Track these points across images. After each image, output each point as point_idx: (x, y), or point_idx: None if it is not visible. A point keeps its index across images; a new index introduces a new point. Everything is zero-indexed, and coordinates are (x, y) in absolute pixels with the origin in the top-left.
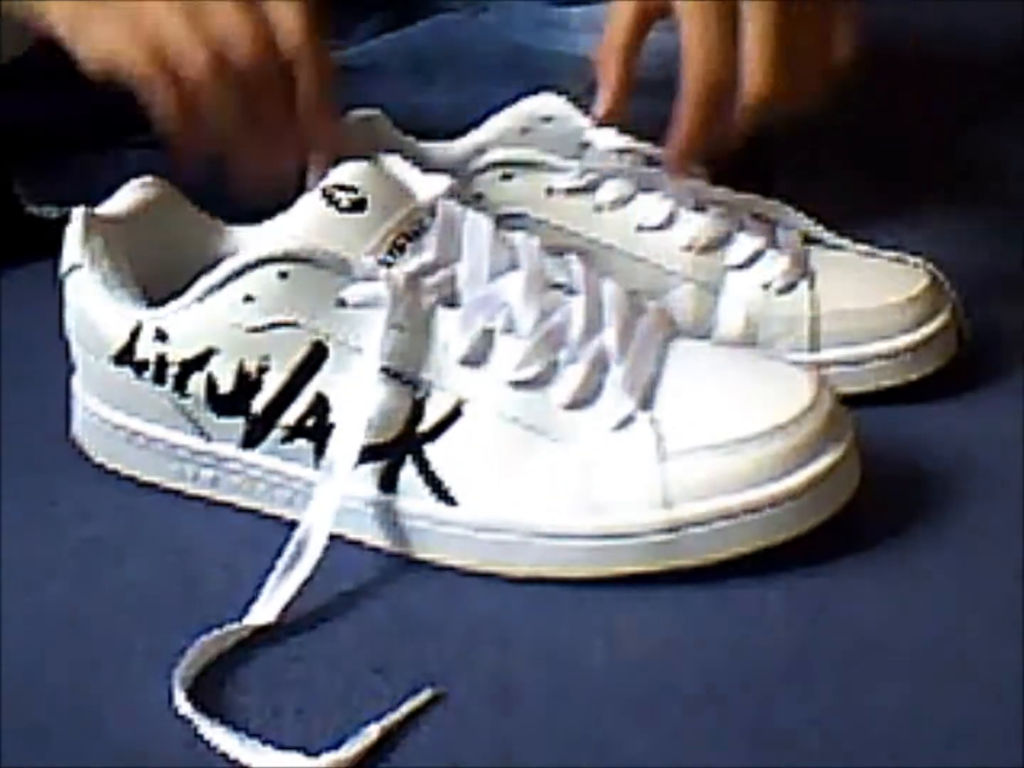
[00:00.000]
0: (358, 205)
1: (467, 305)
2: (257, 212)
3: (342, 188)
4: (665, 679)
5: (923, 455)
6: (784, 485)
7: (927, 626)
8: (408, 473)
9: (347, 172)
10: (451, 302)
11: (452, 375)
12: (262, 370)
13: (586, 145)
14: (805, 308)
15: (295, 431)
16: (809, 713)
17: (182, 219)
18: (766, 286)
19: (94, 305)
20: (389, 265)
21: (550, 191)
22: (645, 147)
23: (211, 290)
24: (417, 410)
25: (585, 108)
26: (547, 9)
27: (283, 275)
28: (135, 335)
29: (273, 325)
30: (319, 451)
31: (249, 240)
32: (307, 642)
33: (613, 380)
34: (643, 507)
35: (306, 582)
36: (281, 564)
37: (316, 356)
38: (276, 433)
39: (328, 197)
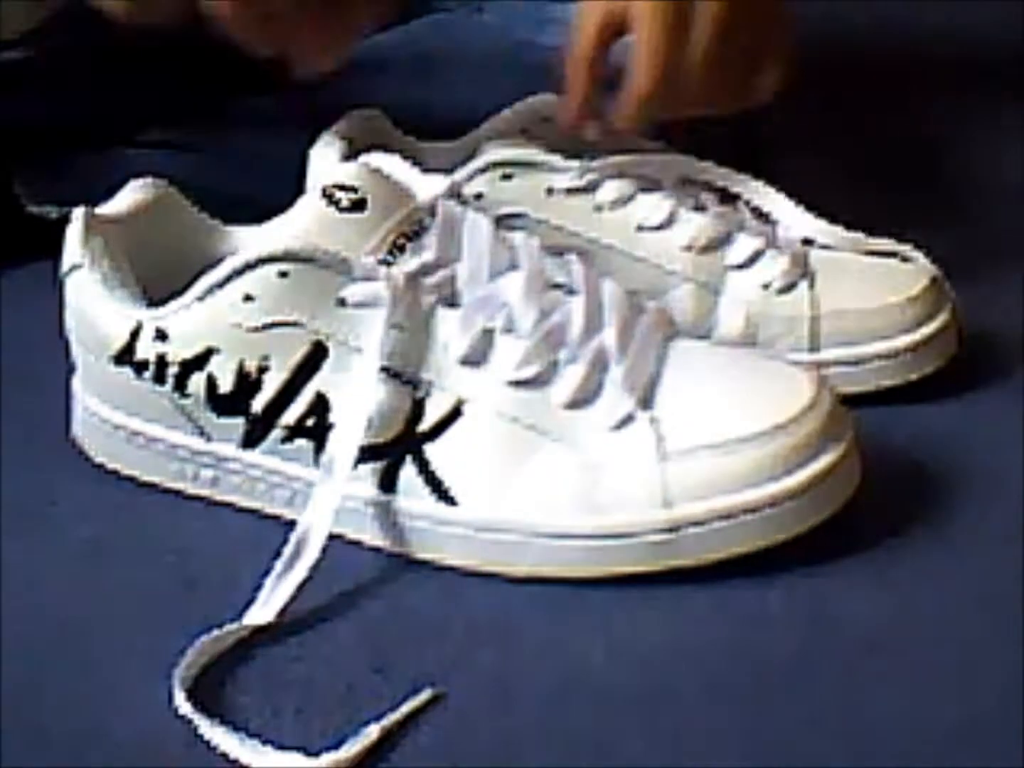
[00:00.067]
0: (358, 205)
1: (467, 305)
2: (257, 212)
3: (342, 188)
4: (665, 679)
5: (923, 455)
6: (784, 485)
7: (927, 626)
8: (408, 473)
9: (347, 172)
10: (451, 302)
11: (452, 375)
12: (262, 370)
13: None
14: (805, 308)
15: (295, 431)
16: (809, 713)
17: (182, 219)
18: (766, 286)
19: (94, 305)
20: (389, 265)
21: (550, 191)
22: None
23: (211, 290)
24: (417, 410)
25: None
26: (547, 5)
27: (283, 275)
28: (135, 335)
29: (273, 325)
30: (319, 451)
31: (249, 240)
32: (307, 642)
33: (613, 380)
34: (643, 507)
35: (305, 582)
36: (280, 564)
37: (316, 356)
38: (276, 433)
39: (328, 197)
